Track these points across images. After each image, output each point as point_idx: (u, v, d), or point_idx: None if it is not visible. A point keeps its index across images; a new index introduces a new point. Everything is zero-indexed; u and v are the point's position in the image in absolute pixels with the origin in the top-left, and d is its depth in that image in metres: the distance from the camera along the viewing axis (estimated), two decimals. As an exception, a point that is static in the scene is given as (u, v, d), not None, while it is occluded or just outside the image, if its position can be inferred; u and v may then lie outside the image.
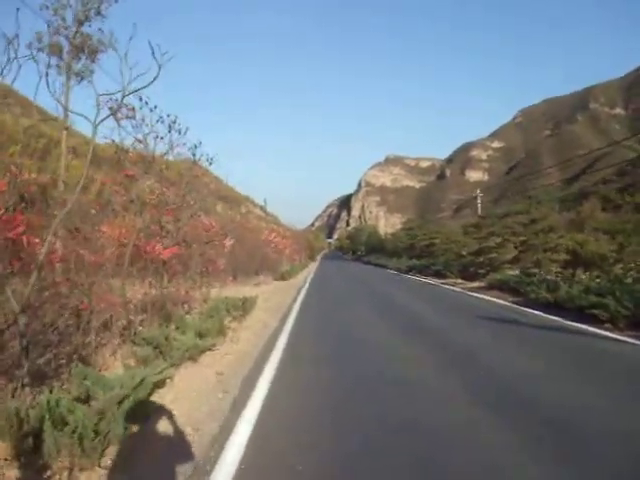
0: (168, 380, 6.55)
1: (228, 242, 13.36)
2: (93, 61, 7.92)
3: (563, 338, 10.18)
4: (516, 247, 24.90)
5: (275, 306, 16.67)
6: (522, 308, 15.15)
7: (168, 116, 9.98)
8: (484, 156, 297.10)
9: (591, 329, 10.97)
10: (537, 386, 6.49)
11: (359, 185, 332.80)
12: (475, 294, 20.56)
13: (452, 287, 25.10)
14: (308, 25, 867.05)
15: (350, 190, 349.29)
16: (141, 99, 8.56)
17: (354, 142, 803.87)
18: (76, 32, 7.28)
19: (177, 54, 5.50)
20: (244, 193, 67.30)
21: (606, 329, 10.90)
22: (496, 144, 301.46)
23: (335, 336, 10.88)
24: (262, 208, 61.79)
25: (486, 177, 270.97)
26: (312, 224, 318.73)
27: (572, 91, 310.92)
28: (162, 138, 9.79)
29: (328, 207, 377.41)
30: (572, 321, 12.06)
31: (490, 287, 22.02)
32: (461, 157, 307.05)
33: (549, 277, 19.44)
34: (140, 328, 8.48)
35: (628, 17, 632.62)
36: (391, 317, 13.98)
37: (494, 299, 18.30)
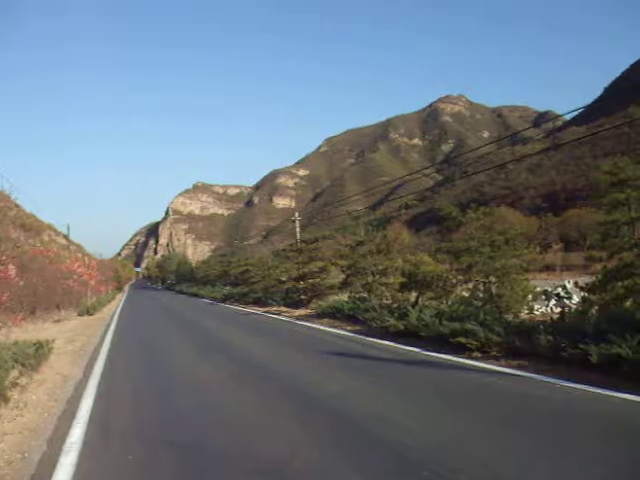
0: None
1: (11, 271, 10.23)
2: None
3: (436, 374, 8.52)
4: (343, 271, 23.69)
5: (79, 349, 13.75)
6: (368, 338, 13.35)
7: None
8: (291, 183, 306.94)
9: (462, 360, 9.41)
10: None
11: (167, 213, 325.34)
12: (306, 323, 18.78)
13: (277, 316, 23.26)
14: (109, 46, 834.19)
15: (158, 218, 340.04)
16: None
17: (161, 169, 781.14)
18: None
19: None
20: (46, 221, 60.21)
21: (477, 359, 9.43)
22: (302, 172, 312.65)
23: (154, 388, 8.51)
24: (66, 237, 55.72)
25: (293, 204, 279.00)
26: (119, 253, 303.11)
27: (374, 122, 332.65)
28: None
29: (135, 235, 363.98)
30: (434, 351, 10.47)
31: (321, 315, 20.31)
32: (269, 184, 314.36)
33: (384, 302, 18.33)
34: None
35: (424, 56, 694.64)
36: (217, 357, 11.73)
37: (330, 329, 16.49)
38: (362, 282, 21.70)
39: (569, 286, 26.53)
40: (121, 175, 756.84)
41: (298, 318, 21.18)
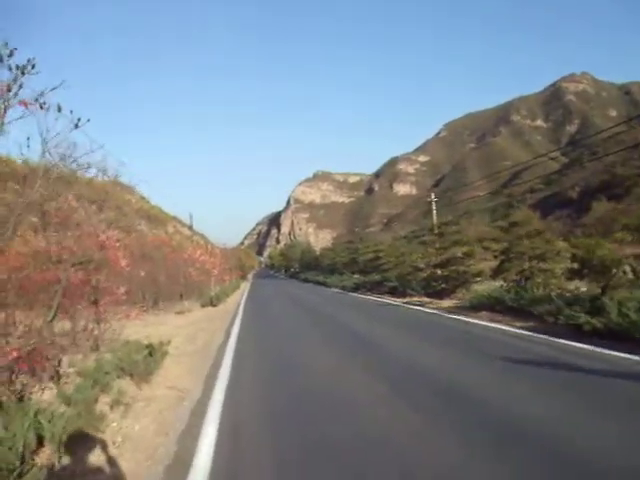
0: None
1: (122, 262, 9.07)
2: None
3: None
4: (496, 256, 21.21)
5: (200, 350, 12.10)
6: (553, 339, 10.84)
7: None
8: (411, 170, 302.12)
9: None
10: None
11: (288, 202, 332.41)
12: (461, 318, 16.31)
13: (422, 308, 21.06)
14: (239, 40, 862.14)
15: (279, 207, 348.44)
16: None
17: (282, 159, 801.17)
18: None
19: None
20: (171, 213, 62.44)
21: None
22: (422, 158, 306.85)
23: (303, 415, 6.26)
24: (190, 227, 57.08)
25: (414, 191, 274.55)
26: (242, 242, 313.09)
27: (494, 105, 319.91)
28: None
29: (258, 225, 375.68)
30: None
31: (474, 307, 18.01)
32: (389, 172, 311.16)
33: (549, 291, 15.84)
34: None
35: (544, 35, 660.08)
36: (372, 363, 9.44)
37: (494, 324, 14.05)
38: (518, 269, 19.22)
39: None
40: (243, 166, 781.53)
41: (448, 311, 18.93)
